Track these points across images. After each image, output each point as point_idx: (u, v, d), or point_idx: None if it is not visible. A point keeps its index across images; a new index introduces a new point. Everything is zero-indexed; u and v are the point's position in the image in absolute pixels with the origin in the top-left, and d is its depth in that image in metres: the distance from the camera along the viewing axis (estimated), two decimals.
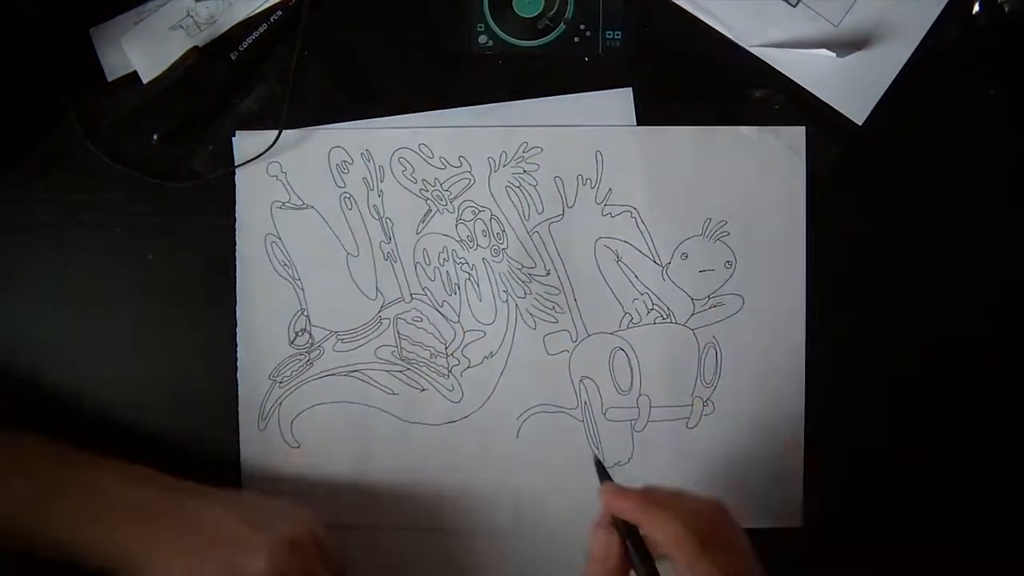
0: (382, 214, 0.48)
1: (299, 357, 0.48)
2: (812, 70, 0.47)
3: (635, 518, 0.39)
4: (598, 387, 0.48)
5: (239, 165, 0.48)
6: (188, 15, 0.47)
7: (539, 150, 0.48)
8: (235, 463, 0.48)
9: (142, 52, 0.47)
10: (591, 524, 0.40)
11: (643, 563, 0.38)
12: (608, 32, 0.48)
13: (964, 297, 0.48)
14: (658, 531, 0.38)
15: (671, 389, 0.48)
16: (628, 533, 0.39)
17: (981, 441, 0.48)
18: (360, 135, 0.48)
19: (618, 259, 0.48)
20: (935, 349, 0.48)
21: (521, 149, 0.48)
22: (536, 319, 0.48)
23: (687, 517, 0.37)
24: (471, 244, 0.48)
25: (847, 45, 0.46)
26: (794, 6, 0.47)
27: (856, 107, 0.47)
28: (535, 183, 0.48)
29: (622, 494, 0.39)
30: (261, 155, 0.47)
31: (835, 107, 0.47)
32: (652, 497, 0.39)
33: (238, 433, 0.48)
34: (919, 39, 0.47)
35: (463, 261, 0.48)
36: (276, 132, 0.47)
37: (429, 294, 0.48)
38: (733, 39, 0.47)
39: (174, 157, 0.48)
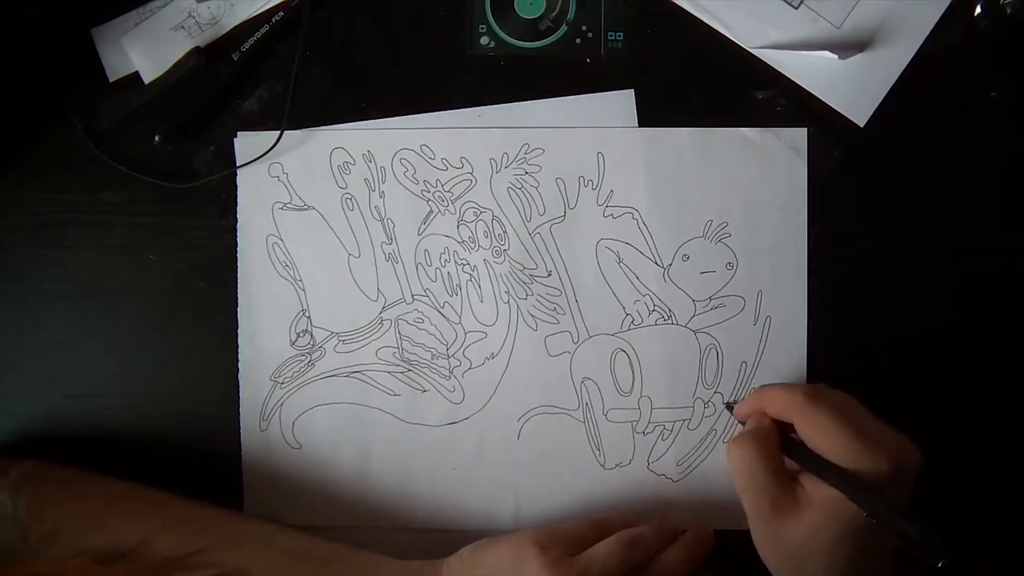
0: (383, 215, 0.48)
1: (300, 358, 0.48)
2: (814, 72, 0.47)
3: (757, 405, 0.42)
4: (599, 388, 0.48)
5: (240, 166, 0.48)
6: (190, 16, 0.47)
7: (541, 151, 0.48)
8: (236, 464, 0.48)
9: (143, 52, 0.47)
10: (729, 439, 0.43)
11: (801, 452, 0.40)
12: (610, 33, 0.48)
13: (966, 299, 0.48)
14: (772, 404, 0.41)
15: (672, 390, 0.48)
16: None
17: (984, 442, 0.48)
18: (362, 136, 0.48)
19: (619, 260, 0.48)
20: (937, 351, 0.48)
21: (523, 150, 0.48)
22: (537, 320, 0.48)
23: (791, 385, 0.41)
24: (472, 245, 0.48)
25: (849, 47, 0.46)
26: (796, 8, 0.47)
27: (858, 109, 0.47)
28: (536, 184, 0.48)
29: (742, 402, 0.43)
30: (262, 156, 0.47)
31: (837, 108, 0.47)
32: (761, 386, 0.42)
33: (239, 434, 0.48)
34: (921, 41, 0.47)
35: (464, 262, 0.48)
36: (277, 133, 0.47)
37: (430, 295, 0.48)
38: (735, 41, 0.47)
39: (175, 157, 0.48)
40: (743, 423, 0.45)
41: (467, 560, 0.43)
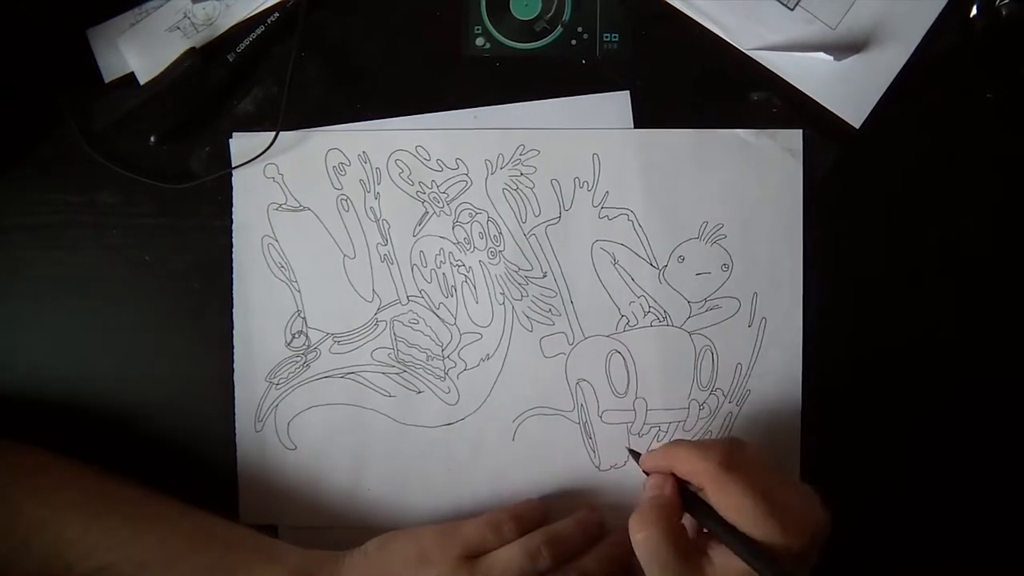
0: (379, 216, 0.48)
1: (296, 359, 0.48)
2: (809, 73, 0.47)
3: (666, 464, 0.41)
4: (594, 390, 0.48)
5: (236, 167, 0.48)
6: (185, 16, 0.47)
7: (536, 153, 0.48)
8: (231, 465, 0.48)
9: (139, 53, 0.47)
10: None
11: (709, 519, 0.39)
12: (606, 35, 0.48)
13: (963, 301, 0.48)
14: (683, 466, 0.40)
15: (668, 392, 0.48)
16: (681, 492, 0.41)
17: (982, 443, 0.48)
18: (357, 137, 0.48)
19: (615, 262, 0.48)
20: (934, 353, 0.48)
21: (518, 152, 0.48)
22: (533, 321, 0.48)
23: (704, 450, 0.39)
24: (468, 246, 0.48)
25: (844, 48, 0.46)
26: (791, 9, 0.47)
27: (853, 110, 0.47)
28: (532, 185, 0.48)
29: (650, 454, 0.43)
30: (258, 157, 0.47)
31: (832, 110, 0.47)
32: (673, 443, 0.42)
33: (234, 435, 0.48)
34: (916, 42, 0.47)
35: (460, 263, 0.48)
36: (273, 134, 0.47)
37: (426, 296, 0.48)
38: (730, 42, 0.47)
39: (171, 158, 0.48)
40: (648, 474, 0.43)
41: (371, 555, 0.43)
